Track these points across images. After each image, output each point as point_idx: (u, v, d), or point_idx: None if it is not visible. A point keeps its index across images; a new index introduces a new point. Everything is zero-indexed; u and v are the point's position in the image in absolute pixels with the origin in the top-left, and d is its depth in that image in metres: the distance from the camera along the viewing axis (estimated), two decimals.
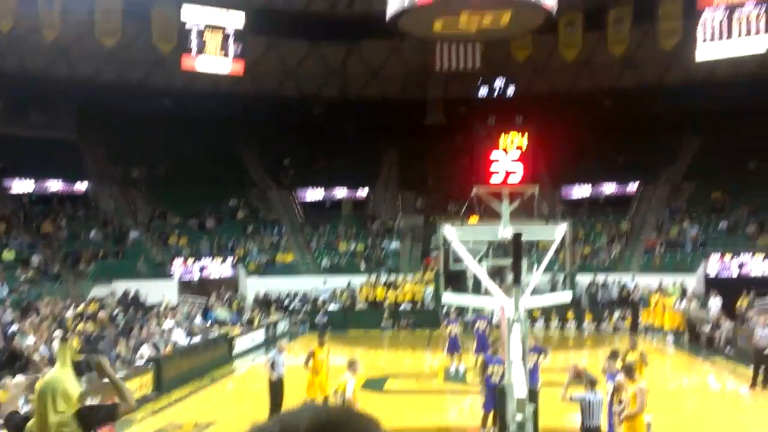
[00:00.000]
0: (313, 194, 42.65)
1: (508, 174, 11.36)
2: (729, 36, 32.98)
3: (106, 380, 5.53)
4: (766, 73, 36.90)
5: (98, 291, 29.27)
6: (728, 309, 25.97)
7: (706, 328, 24.96)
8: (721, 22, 33.17)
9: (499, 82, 42.61)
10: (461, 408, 16.53)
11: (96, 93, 38.26)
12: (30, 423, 5.24)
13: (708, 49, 33.87)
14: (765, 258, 30.77)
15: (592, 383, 9.74)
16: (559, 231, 11.72)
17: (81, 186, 38.27)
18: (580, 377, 10.73)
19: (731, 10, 32.91)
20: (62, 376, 5.30)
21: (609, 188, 40.66)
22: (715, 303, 26.67)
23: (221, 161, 42.27)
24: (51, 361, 16.31)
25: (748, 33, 32.55)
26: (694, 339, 25.67)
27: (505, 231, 11.63)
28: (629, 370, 10.05)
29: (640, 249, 35.68)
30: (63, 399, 5.15)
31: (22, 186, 36.50)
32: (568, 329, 30.56)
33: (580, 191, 41.02)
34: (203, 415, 15.60)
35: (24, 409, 12.89)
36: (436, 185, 41.90)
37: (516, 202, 11.94)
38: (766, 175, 36.70)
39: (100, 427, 5.41)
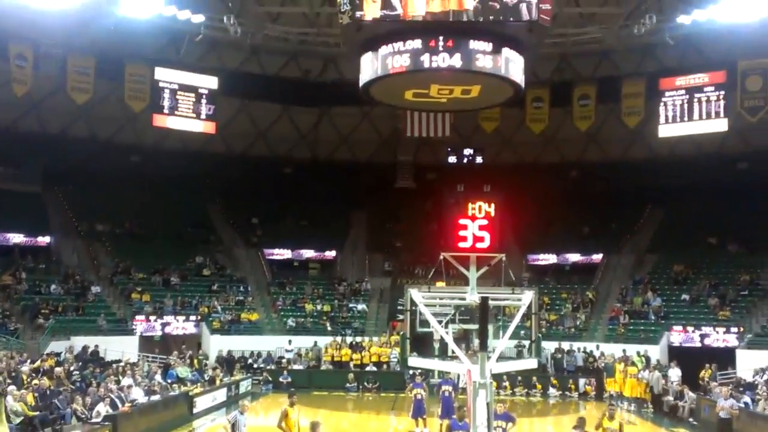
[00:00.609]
0: (281, 254, 42.49)
1: (475, 240, 11.54)
2: (690, 117, 34.16)
3: None
4: (726, 151, 38.17)
5: (56, 346, 28.56)
6: (691, 379, 26.19)
7: (670, 398, 25.10)
8: (682, 103, 34.38)
9: (468, 151, 43.40)
10: None
11: (65, 148, 38.11)
12: None
13: (670, 128, 34.99)
14: (726, 331, 31.20)
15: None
16: (525, 297, 11.86)
17: (44, 239, 37.69)
18: None
19: (691, 92, 34.18)
20: None
21: (574, 257, 41.17)
22: (675, 373, 26.93)
23: (188, 218, 42.14)
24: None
25: (708, 114, 33.77)
26: (658, 409, 25.77)
27: (472, 295, 11.75)
28: None
29: (604, 318, 36.00)
30: None
31: None
32: (534, 395, 30.47)
33: (546, 259, 41.47)
34: None
35: None
36: (404, 248, 42.11)
37: (483, 268, 12.09)
38: (726, 250, 37.60)
39: None
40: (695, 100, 34.03)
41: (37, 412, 17.11)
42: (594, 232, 41.70)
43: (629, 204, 41.34)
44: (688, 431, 22.12)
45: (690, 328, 32.06)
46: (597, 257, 40.63)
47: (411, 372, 24.59)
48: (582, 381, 31.06)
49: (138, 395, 21.10)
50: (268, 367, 33.07)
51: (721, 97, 33.42)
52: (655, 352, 31.53)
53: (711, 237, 38.47)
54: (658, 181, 40.03)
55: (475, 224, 11.00)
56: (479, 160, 43.14)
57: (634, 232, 41.51)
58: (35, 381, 19.80)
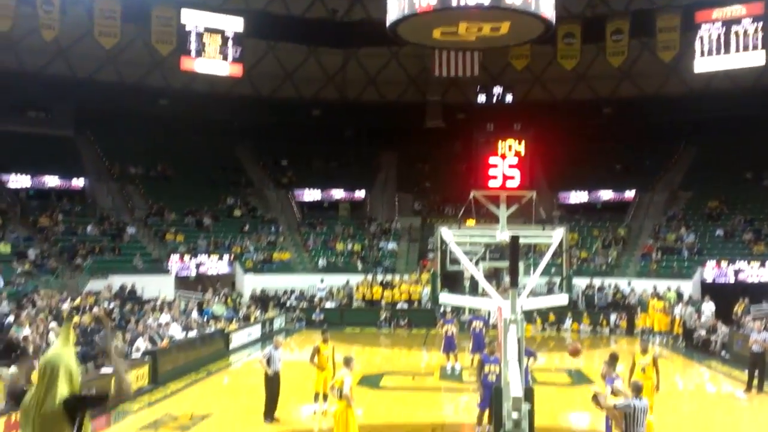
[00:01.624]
0: (311, 195, 42.74)
1: (505, 179, 11.47)
2: (727, 50, 33.23)
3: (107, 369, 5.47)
4: (763, 85, 37.17)
5: (94, 285, 29.33)
6: (724, 314, 26.16)
7: (702, 333, 25.13)
8: (719, 36, 33.38)
9: (497, 90, 42.69)
10: (457, 406, 16.62)
11: (94, 92, 38.34)
12: (28, 395, 5.26)
13: (706, 62, 34.11)
14: (761, 265, 30.97)
15: (637, 389, 9.72)
16: (556, 235, 11.83)
17: (78, 182, 38.31)
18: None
19: (729, 25, 33.13)
20: (64, 354, 5.33)
21: (606, 194, 40.84)
22: (708, 307, 26.87)
23: (218, 160, 42.41)
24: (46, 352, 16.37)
25: (746, 47, 32.79)
26: (690, 343, 25.84)
27: (502, 234, 11.75)
28: (637, 389, 10.01)
29: (636, 254, 35.87)
30: (64, 376, 5.17)
31: (19, 181, 36.54)
32: (565, 332, 30.71)
33: (578, 197, 41.19)
34: (199, 407, 15.67)
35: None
36: (433, 188, 42.08)
37: (514, 206, 12.05)
38: (762, 184, 37.00)
39: (89, 416, 5.32)
40: (732, 32, 33.05)
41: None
42: (627, 169, 41.22)
43: (663, 140, 40.68)
44: (720, 365, 22.18)
45: (724, 264, 31.91)
46: (630, 194, 40.24)
47: (442, 309, 24.88)
48: (613, 317, 31.16)
49: (175, 332, 21.66)
50: (301, 305, 33.67)
51: (759, 29, 32.40)
52: (688, 288, 31.48)
53: (746, 172, 37.86)
54: (693, 116, 39.27)
55: (505, 163, 10.89)
56: (509, 98, 42.45)
57: (668, 168, 40.97)
58: (75, 318, 20.38)
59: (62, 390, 5.12)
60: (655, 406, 13.43)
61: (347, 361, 11.54)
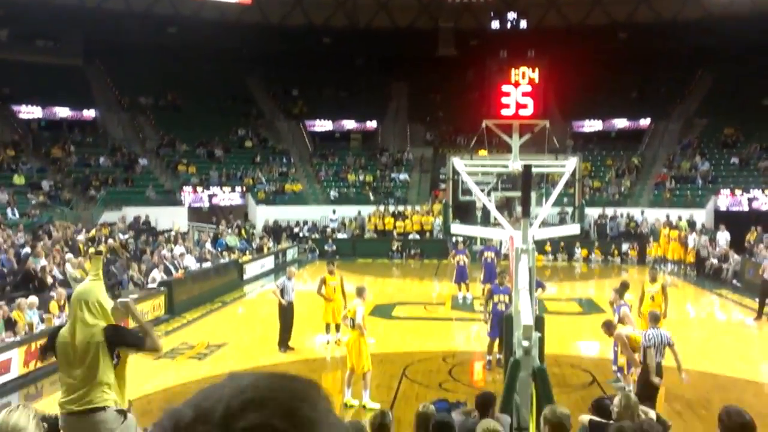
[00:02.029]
0: (322, 125, 42.45)
1: (518, 107, 11.29)
2: None
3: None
4: None
5: (108, 216, 29.57)
6: (737, 243, 26.12)
7: (714, 261, 25.16)
8: None
9: (511, 15, 41.66)
10: (468, 335, 16.85)
11: (102, 21, 37.84)
12: (63, 329, 5.40)
13: None
14: None
15: (655, 319, 9.77)
16: (569, 164, 11.71)
17: (89, 113, 38.19)
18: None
19: None
20: (95, 288, 5.47)
21: (621, 123, 40.33)
22: (724, 237, 26.77)
23: (228, 90, 42.03)
24: (63, 283, 16.65)
25: None
26: (702, 272, 25.90)
27: (514, 163, 11.65)
28: (655, 318, 10.05)
29: (650, 183, 35.65)
30: (96, 308, 5.31)
31: (30, 112, 36.46)
32: (576, 261, 30.83)
33: (591, 125, 40.71)
34: (215, 336, 15.96)
35: (39, 327, 13.26)
36: (445, 118, 41.66)
37: (526, 135, 11.91)
38: None
39: (125, 350, 5.47)
40: None
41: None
42: (642, 97, 40.57)
43: (680, 67, 39.86)
44: (731, 293, 22.27)
45: (738, 192, 31.71)
46: (644, 122, 39.71)
47: (453, 239, 24.97)
48: (625, 246, 31.19)
49: (190, 263, 21.92)
50: (313, 236, 33.87)
51: None
52: (701, 217, 31.38)
53: (764, 98, 37.17)
54: (710, 41, 38.28)
55: (519, 91, 10.67)
56: (523, 24, 41.47)
57: (684, 95, 40.29)
58: (91, 249, 20.61)
59: (97, 321, 5.25)
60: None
61: (360, 291, 11.63)
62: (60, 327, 5.54)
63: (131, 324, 6.04)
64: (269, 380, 0.77)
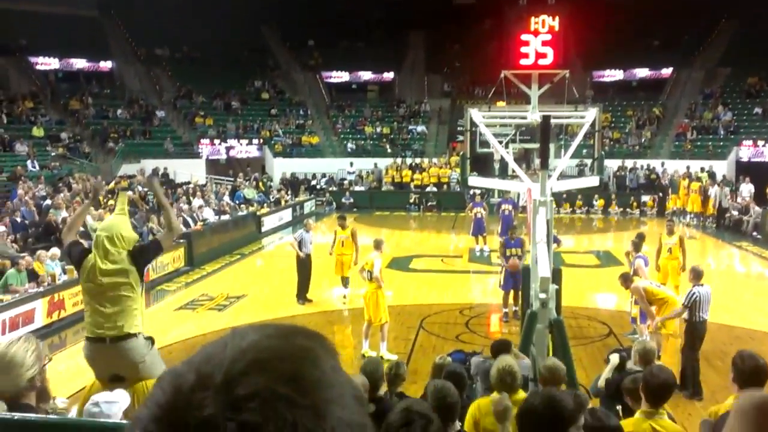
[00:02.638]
0: (339, 76, 42.10)
1: (538, 57, 11.11)
2: None
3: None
4: None
5: (127, 169, 29.74)
6: (758, 195, 25.84)
7: (734, 213, 24.95)
8: None
9: None
10: (485, 287, 16.91)
11: None
12: (90, 257, 5.48)
13: None
14: None
15: (697, 276, 9.69)
16: (588, 115, 11.57)
17: (106, 64, 38.12)
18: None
19: None
20: (119, 222, 5.60)
21: (642, 72, 39.66)
22: (747, 188, 26.44)
23: (244, 42, 41.62)
24: (84, 235, 16.82)
25: None
26: (722, 224, 25.71)
27: (533, 114, 11.50)
28: (698, 275, 9.87)
29: (671, 134, 35.19)
30: (119, 241, 5.44)
31: (47, 63, 36.44)
32: (594, 213, 30.68)
33: (612, 75, 40.06)
34: (234, 288, 16.14)
35: (62, 278, 13.46)
36: (463, 68, 41.15)
37: (545, 85, 11.74)
38: None
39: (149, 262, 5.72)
40: None
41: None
42: (664, 45, 39.73)
43: (703, 14, 38.85)
44: (751, 245, 22.12)
45: (761, 143, 31.27)
46: (666, 72, 39.02)
47: (471, 192, 24.89)
48: (644, 198, 30.96)
49: (209, 215, 22.05)
50: (331, 189, 33.91)
51: None
52: (722, 168, 30.99)
53: None
54: None
55: (538, 39, 10.49)
56: None
57: (707, 44, 39.42)
58: (110, 201, 20.76)
59: (121, 252, 5.38)
60: (681, 286, 13.54)
61: (377, 244, 11.65)
62: (85, 250, 5.58)
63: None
64: (272, 340, 0.75)
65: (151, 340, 5.56)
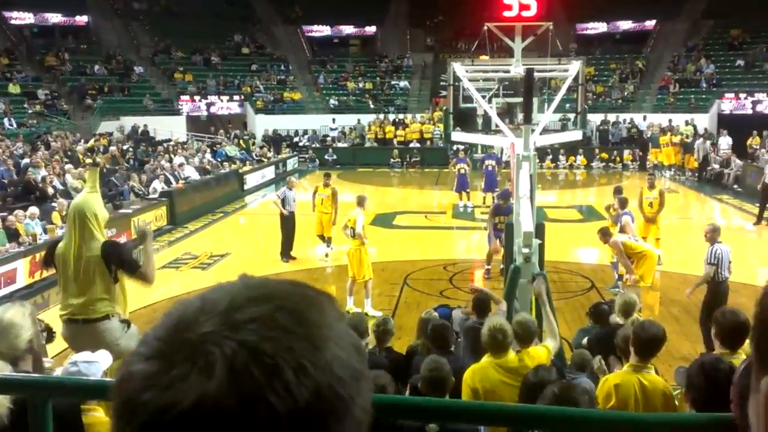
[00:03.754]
0: (320, 30, 41.49)
1: (521, 8, 11.00)
2: None
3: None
4: None
5: (106, 126, 29.32)
6: (739, 148, 25.98)
7: (715, 167, 25.10)
8: None
9: None
10: (469, 243, 16.97)
11: None
12: (61, 244, 5.41)
13: None
14: None
15: (716, 233, 9.49)
16: (572, 68, 11.49)
17: (82, 18, 37.30)
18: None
19: None
20: (91, 200, 5.45)
21: (625, 24, 39.46)
22: (726, 141, 26.61)
23: None
24: (64, 194, 16.67)
25: None
26: (703, 177, 25.87)
27: (516, 68, 11.41)
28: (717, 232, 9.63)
29: (654, 87, 35.16)
30: (92, 222, 5.31)
31: (21, 18, 35.60)
32: (577, 168, 30.74)
33: (596, 27, 39.82)
34: (217, 246, 16.09)
35: (43, 238, 13.35)
36: (446, 21, 40.66)
37: (529, 38, 11.63)
38: None
39: (117, 269, 5.46)
40: None
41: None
42: None
43: None
44: (732, 198, 22.30)
45: (742, 95, 31.39)
46: (650, 24, 38.84)
47: (454, 148, 24.81)
48: (627, 152, 31.03)
49: (191, 173, 21.86)
50: (314, 146, 33.67)
51: None
52: (704, 121, 31.07)
53: None
54: None
55: None
56: None
57: None
58: (88, 160, 20.53)
59: (94, 234, 5.26)
60: (663, 239, 13.66)
61: (360, 201, 11.60)
62: (59, 240, 5.55)
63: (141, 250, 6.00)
64: (282, 284, 0.78)
65: (127, 323, 5.49)
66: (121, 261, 5.39)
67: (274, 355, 0.69)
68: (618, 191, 13.05)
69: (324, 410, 0.70)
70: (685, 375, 3.70)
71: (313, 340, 0.72)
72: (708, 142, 26.88)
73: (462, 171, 20.43)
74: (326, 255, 14.75)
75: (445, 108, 13.11)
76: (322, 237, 14.81)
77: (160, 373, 0.69)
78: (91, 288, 5.26)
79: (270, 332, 0.70)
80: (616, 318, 6.99)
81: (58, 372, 3.91)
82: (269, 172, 27.75)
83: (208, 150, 26.80)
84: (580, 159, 30.91)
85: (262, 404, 0.67)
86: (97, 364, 3.61)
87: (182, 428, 0.66)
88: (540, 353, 5.19)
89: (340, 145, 33.61)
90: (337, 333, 0.75)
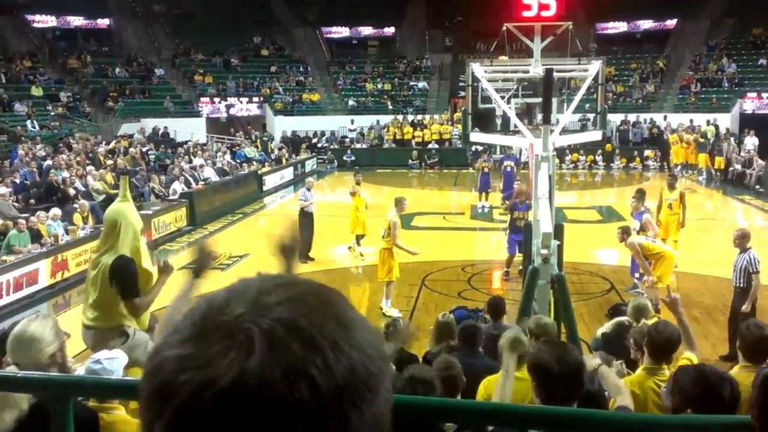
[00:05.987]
0: (339, 31, 41.57)
1: (540, 8, 10.93)
2: None
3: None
4: None
5: (127, 128, 29.58)
6: (762, 148, 25.67)
7: (737, 167, 24.82)
8: None
9: None
10: (487, 244, 16.91)
11: None
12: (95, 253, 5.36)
13: None
14: None
15: (747, 239, 9.16)
16: (592, 68, 11.42)
17: (103, 21, 37.68)
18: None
19: None
20: (125, 209, 5.35)
21: (646, 24, 39.15)
22: (752, 141, 26.26)
23: None
24: (86, 195, 16.84)
25: None
26: (725, 177, 25.60)
27: (536, 68, 11.36)
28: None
29: (675, 87, 34.86)
30: (127, 229, 5.21)
31: (44, 21, 36.03)
32: (597, 168, 30.55)
33: (616, 26, 39.55)
34: (236, 247, 16.14)
35: (65, 239, 13.49)
36: (465, 22, 40.56)
37: (548, 38, 11.57)
38: None
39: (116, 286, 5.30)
40: None
41: (117, 191, 18.06)
42: None
43: None
44: (754, 198, 22.04)
45: (765, 95, 31.00)
46: (671, 23, 38.51)
47: (474, 148, 24.77)
48: (647, 153, 30.78)
49: (210, 174, 21.99)
50: (332, 147, 33.72)
51: None
52: (726, 121, 30.75)
53: None
54: None
55: None
56: None
57: None
58: (110, 162, 20.72)
59: (119, 247, 5.17)
60: (682, 239, 13.52)
61: (398, 202, 11.67)
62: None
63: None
64: (306, 282, 0.80)
65: (125, 334, 5.23)
66: (123, 281, 5.17)
67: (310, 330, 0.70)
68: (640, 193, 12.91)
69: (358, 388, 0.71)
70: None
71: (342, 320, 0.74)
72: (731, 142, 26.59)
73: (486, 169, 20.40)
74: (350, 249, 14.82)
75: (463, 109, 13.06)
76: (360, 236, 14.91)
77: (197, 353, 0.69)
78: (104, 297, 5.21)
79: (303, 310, 0.72)
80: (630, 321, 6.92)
81: (80, 371, 3.94)
82: (288, 174, 27.85)
83: (228, 151, 26.94)
84: (601, 158, 30.62)
85: (304, 378, 0.68)
86: (118, 360, 3.65)
87: (222, 406, 0.66)
88: None
89: (358, 146, 33.64)
90: (362, 323, 0.77)
